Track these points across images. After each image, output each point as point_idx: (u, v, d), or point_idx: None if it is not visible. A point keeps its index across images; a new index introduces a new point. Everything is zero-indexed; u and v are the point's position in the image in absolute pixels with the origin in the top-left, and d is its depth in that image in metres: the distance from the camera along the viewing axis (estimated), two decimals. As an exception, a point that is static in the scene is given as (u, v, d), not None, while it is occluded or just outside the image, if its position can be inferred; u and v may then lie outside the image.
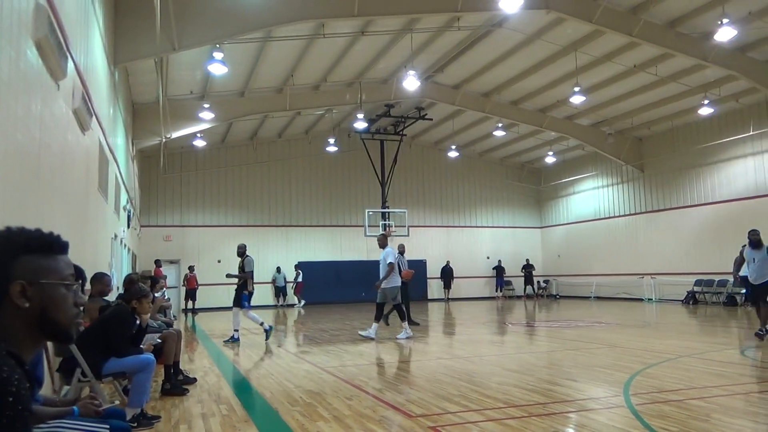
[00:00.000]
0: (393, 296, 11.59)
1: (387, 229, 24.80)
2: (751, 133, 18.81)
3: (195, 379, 6.96)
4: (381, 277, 11.53)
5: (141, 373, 4.95)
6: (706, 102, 18.13)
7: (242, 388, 6.84)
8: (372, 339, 11.19)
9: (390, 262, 11.41)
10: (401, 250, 13.92)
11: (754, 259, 9.96)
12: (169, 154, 22.68)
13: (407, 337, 11.20)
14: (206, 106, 17.85)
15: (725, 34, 13.17)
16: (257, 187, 25.33)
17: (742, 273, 10.52)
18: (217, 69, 14.06)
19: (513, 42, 16.67)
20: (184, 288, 22.38)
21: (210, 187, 24.66)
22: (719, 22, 12.98)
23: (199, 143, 21.72)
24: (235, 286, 11.36)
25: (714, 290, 20.19)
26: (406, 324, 11.60)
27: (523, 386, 6.25)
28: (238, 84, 18.45)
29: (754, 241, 10.07)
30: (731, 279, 19.43)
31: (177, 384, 6.36)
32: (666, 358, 7.95)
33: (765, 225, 18.42)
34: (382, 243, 11.98)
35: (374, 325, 11.49)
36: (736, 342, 10.19)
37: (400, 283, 11.78)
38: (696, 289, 20.63)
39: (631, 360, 7.91)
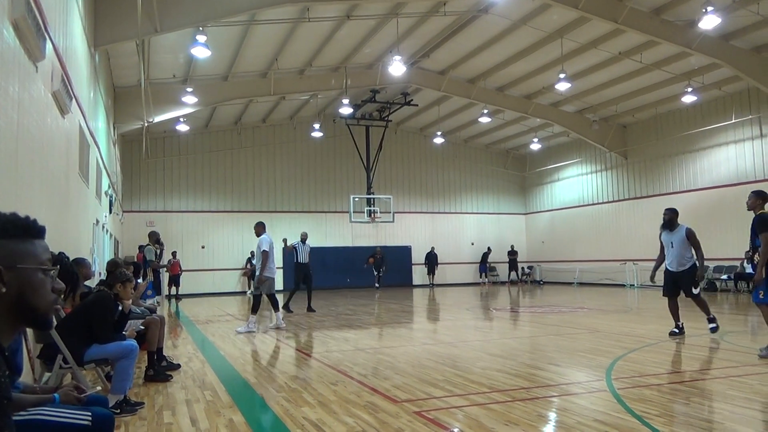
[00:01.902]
0: (268, 286, 10.89)
1: (372, 215, 24.84)
2: (733, 120, 19.01)
3: (179, 365, 6.92)
4: (258, 266, 10.95)
5: (124, 360, 4.90)
6: (689, 90, 18.25)
7: (227, 373, 6.82)
8: (281, 328, 10.72)
9: (264, 250, 10.71)
10: (303, 238, 14.33)
11: (672, 243, 8.66)
12: (151, 139, 22.40)
13: (248, 331, 10.38)
14: (189, 90, 17.62)
15: (709, 21, 13.23)
16: (241, 172, 25.14)
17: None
18: (201, 52, 13.85)
19: (499, 28, 16.62)
20: (167, 274, 22.22)
21: (194, 173, 24.42)
22: (704, 10, 13.03)
23: (182, 128, 21.46)
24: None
25: (694, 276, 20.44)
26: (254, 317, 10.71)
27: (507, 371, 6.31)
28: (222, 68, 18.22)
29: (666, 221, 8.78)
30: (711, 265, 19.76)
31: (160, 370, 6.33)
32: (647, 343, 8.07)
33: (745, 212, 18.73)
34: (258, 231, 11.08)
35: (278, 314, 11.03)
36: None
37: (274, 274, 11.05)
38: (677, 275, 20.87)
39: (612, 345, 8.01)
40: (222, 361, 7.78)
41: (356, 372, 6.44)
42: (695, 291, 8.53)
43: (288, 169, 25.83)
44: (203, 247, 23.59)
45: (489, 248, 27.79)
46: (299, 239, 14.52)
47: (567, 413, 4.62)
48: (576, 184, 26.49)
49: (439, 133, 25.90)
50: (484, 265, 27.51)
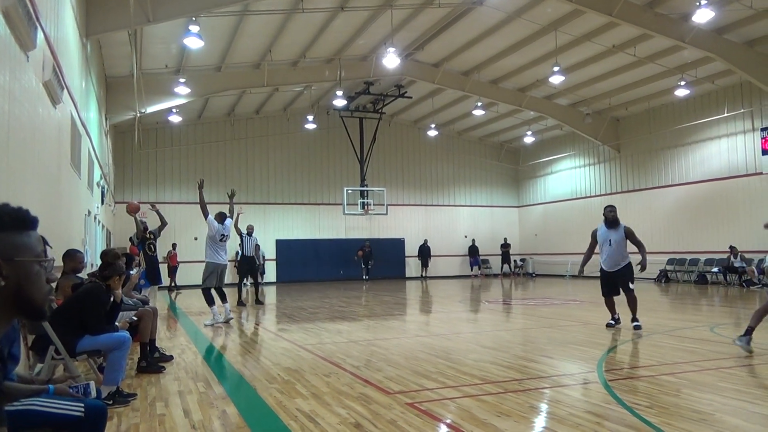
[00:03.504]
0: (205, 275, 10.50)
1: (365, 207, 24.82)
2: (726, 114, 19.09)
3: (172, 357, 6.92)
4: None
5: (116, 351, 4.89)
6: (682, 83, 18.31)
7: (220, 365, 6.82)
8: (227, 321, 10.34)
9: (208, 236, 10.43)
10: (249, 231, 14.08)
11: (610, 241, 8.49)
12: (144, 130, 22.27)
13: (213, 324, 10.11)
14: (182, 80, 17.51)
15: (703, 15, 13.26)
16: (234, 164, 25.05)
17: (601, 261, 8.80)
18: (194, 43, 13.76)
19: (493, 20, 16.58)
20: (166, 265, 22.39)
21: (186, 164, 24.31)
22: (697, 3, 13.06)
23: (175, 119, 21.34)
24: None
25: (686, 269, 20.63)
26: (215, 308, 10.40)
27: (499, 363, 6.34)
28: (215, 59, 18.11)
29: (611, 219, 8.56)
30: (702, 258, 19.91)
31: (153, 362, 6.32)
32: (638, 335, 8.12)
33: (736, 205, 18.90)
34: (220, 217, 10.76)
35: (225, 306, 10.53)
36: (706, 319, 10.44)
37: (219, 261, 10.54)
38: (668, 267, 21.05)
39: (604, 337, 8.06)
40: (215, 352, 7.78)
41: (349, 364, 6.46)
42: (632, 286, 8.63)
43: (281, 160, 25.76)
44: (196, 239, 23.47)
45: (473, 241, 27.86)
46: (245, 232, 14.04)
47: (559, 405, 4.65)
48: (569, 177, 26.57)
49: (432, 125, 25.87)
50: (475, 257, 27.59)
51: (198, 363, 6.83)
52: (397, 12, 15.99)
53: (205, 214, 10.30)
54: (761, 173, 18.12)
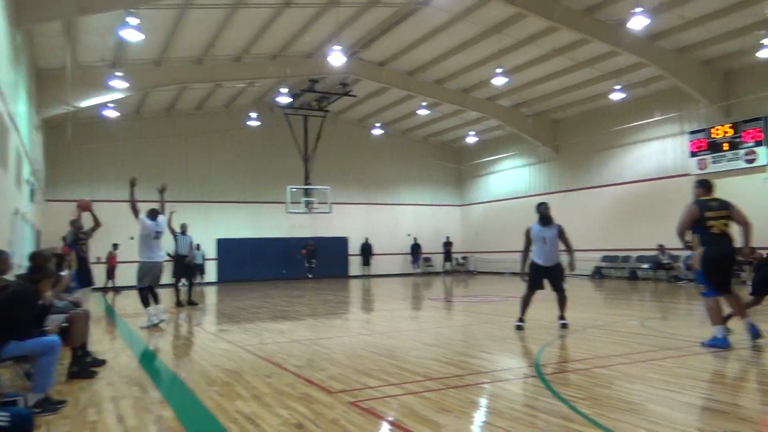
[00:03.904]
0: (139, 275, 10.11)
1: (309, 206, 24.64)
2: (657, 118, 19.98)
3: (104, 361, 6.65)
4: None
5: (45, 356, 4.67)
6: (617, 87, 19.02)
7: (156, 369, 6.63)
8: (154, 324, 9.86)
9: (142, 235, 10.02)
10: (183, 229, 13.91)
11: (545, 239, 8.50)
12: (78, 125, 21.35)
13: (149, 326, 9.80)
14: (119, 74, 16.85)
15: (638, 22, 13.80)
16: (174, 161, 24.36)
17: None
18: (132, 35, 13.27)
19: (438, 21, 16.77)
20: (105, 266, 21.66)
21: (123, 160, 23.45)
22: (633, 11, 13.59)
23: (111, 113, 20.53)
24: None
25: (618, 265, 21.50)
26: (151, 310, 9.97)
27: (441, 359, 6.42)
28: (155, 52, 17.56)
29: (545, 217, 8.58)
30: (634, 255, 20.78)
31: (85, 367, 6.07)
32: (573, 330, 8.39)
33: (666, 205, 19.79)
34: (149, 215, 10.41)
35: (158, 308, 10.10)
36: (637, 313, 10.89)
37: (154, 260, 10.16)
38: (602, 264, 21.88)
39: (542, 332, 8.28)
40: (151, 356, 7.55)
41: (291, 364, 6.39)
42: (564, 286, 8.70)
43: (223, 158, 25.24)
44: (132, 239, 22.67)
45: (416, 239, 28.13)
46: (179, 230, 13.80)
47: (498, 399, 4.75)
48: (509, 176, 27.19)
49: (378, 124, 25.95)
50: (417, 255, 27.86)
51: (133, 367, 6.61)
52: (344, 10, 15.94)
53: (136, 213, 9.95)
54: (689, 174, 19.04)
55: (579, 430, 3.83)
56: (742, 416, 4.18)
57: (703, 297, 7.05)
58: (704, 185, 7.11)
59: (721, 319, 6.82)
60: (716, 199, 6.95)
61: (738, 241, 6.93)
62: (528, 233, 8.61)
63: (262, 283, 23.47)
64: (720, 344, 6.63)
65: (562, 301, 8.69)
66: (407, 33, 17.83)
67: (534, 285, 8.68)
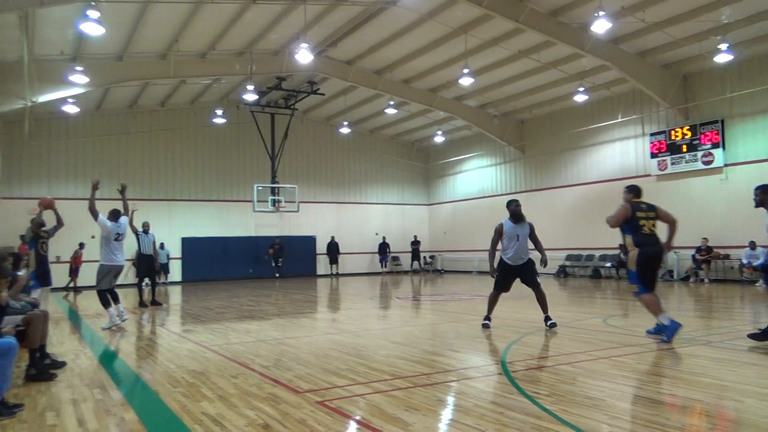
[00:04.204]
0: (99, 276, 9.85)
1: (276, 204, 24.42)
2: (619, 120, 20.43)
3: (64, 363, 6.48)
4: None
5: (0, 359, 4.52)
6: (581, 89, 19.39)
7: (118, 370, 6.48)
8: (117, 325, 9.72)
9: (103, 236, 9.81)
10: (145, 228, 13.77)
11: (518, 236, 8.47)
12: (35, 120, 20.75)
13: (110, 327, 9.62)
14: (79, 69, 16.42)
15: (601, 26, 14.07)
16: (137, 158, 23.87)
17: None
18: (92, 29, 12.94)
19: (406, 20, 16.81)
20: (69, 265, 21.22)
21: (84, 157, 22.88)
22: (596, 15, 13.86)
23: (71, 109, 19.97)
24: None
25: (582, 264, 21.92)
26: (111, 310, 9.74)
27: (409, 358, 6.44)
28: (117, 47, 17.16)
29: (517, 214, 8.53)
30: (597, 254, 21.21)
31: (43, 369, 5.90)
32: (539, 328, 8.52)
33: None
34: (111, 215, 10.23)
35: (120, 306, 9.97)
36: (600, 311, 11.12)
37: (116, 263, 9.92)
38: (566, 263, 22.28)
39: (508, 330, 8.39)
40: (113, 357, 7.39)
41: (258, 364, 6.33)
42: (539, 280, 8.73)
43: (188, 155, 24.84)
44: (93, 237, 22.17)
45: (384, 238, 28.19)
46: (141, 229, 13.63)
47: (465, 397, 4.79)
48: (476, 176, 27.45)
49: (345, 123, 25.89)
50: (385, 254, 27.89)
51: (94, 368, 6.45)
52: (311, 7, 15.84)
53: (96, 215, 9.70)
54: (649, 175, 19.55)
55: (544, 426, 3.89)
56: (699, 410, 4.31)
57: (637, 296, 7.38)
58: (633, 190, 7.65)
59: (661, 309, 7.20)
60: (644, 202, 7.51)
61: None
62: (500, 229, 8.53)
63: (228, 283, 23.19)
64: (672, 327, 6.93)
65: (541, 299, 8.54)
66: (375, 32, 17.83)
67: (502, 286, 8.69)
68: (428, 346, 7.38)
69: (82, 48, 16.60)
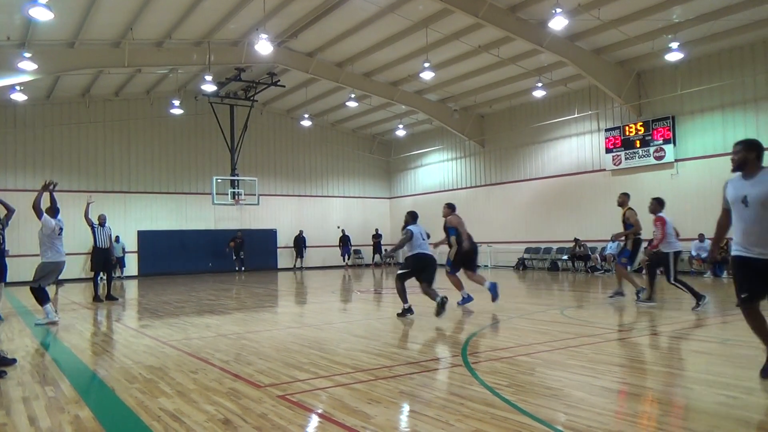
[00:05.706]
0: (42, 274, 9.56)
1: (236, 198, 24.08)
2: (576, 115, 20.86)
3: (15, 360, 6.26)
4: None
5: (-55, 357, 4.34)
6: (539, 85, 19.71)
7: (72, 367, 6.29)
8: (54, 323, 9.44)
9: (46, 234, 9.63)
10: (101, 221, 13.39)
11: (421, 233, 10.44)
12: (-19, 108, 19.91)
13: (49, 323, 9.39)
14: (27, 55, 15.79)
15: (558, 23, 14.34)
16: (91, 149, 23.16)
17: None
18: (41, 14, 12.47)
19: (367, 13, 16.74)
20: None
21: (33, 148, 22.06)
22: (554, 11, 14.10)
23: (19, 97, 19.22)
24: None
25: (540, 257, 22.36)
26: (48, 307, 9.56)
27: (370, 351, 6.46)
28: (68, 33, 16.56)
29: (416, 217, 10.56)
30: (555, 247, 21.67)
31: (-8, 366, 5.68)
32: (498, 320, 8.66)
33: (584, 199, 20.75)
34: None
35: (47, 306, 9.55)
36: (557, 303, 11.37)
37: (60, 259, 9.75)
38: (525, 256, 22.68)
39: (468, 322, 8.50)
40: (67, 353, 7.17)
41: (218, 359, 6.24)
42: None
43: (144, 147, 24.24)
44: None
45: (344, 231, 28.14)
46: (97, 222, 13.20)
47: (426, 388, 4.83)
48: (437, 170, 27.64)
49: (306, 115, 25.68)
50: (346, 248, 27.84)
51: (46, 365, 6.26)
52: (270, -3, 15.62)
53: (40, 214, 9.43)
54: (604, 170, 20.05)
55: (503, 416, 3.95)
56: (653, 398, 4.46)
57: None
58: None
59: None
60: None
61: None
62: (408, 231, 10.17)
63: (187, 277, 22.78)
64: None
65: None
66: (336, 24, 17.71)
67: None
68: (390, 339, 7.42)
69: (30, 34, 15.97)
